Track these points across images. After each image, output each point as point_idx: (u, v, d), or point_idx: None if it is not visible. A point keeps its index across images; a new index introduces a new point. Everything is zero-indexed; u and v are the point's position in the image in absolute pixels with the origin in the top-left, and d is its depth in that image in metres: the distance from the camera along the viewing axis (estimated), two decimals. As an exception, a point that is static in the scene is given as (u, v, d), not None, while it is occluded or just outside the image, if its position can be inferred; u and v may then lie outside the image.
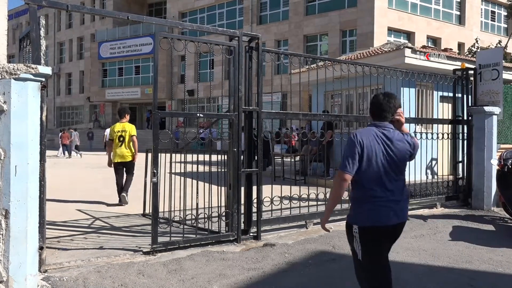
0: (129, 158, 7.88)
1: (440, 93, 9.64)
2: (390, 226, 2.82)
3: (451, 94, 8.34)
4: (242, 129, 5.57)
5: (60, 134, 24.26)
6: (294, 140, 16.31)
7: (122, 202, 7.73)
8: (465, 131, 8.16)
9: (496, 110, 7.92)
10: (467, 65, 8.63)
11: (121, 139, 7.78)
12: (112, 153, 7.92)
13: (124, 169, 7.94)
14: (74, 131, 26.90)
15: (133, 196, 8.57)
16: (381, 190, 2.81)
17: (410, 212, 7.29)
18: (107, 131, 27.47)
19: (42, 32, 4.04)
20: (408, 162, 3.00)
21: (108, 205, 7.89)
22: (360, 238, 2.83)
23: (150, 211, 5.12)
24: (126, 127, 7.86)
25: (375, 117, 3.03)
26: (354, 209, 2.91)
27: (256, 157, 5.60)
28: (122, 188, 7.85)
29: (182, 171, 5.33)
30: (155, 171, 4.82)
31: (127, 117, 8.10)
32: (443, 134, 7.92)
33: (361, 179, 2.81)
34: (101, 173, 13.98)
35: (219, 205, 5.41)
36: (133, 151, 7.88)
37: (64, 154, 23.46)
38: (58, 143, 24.40)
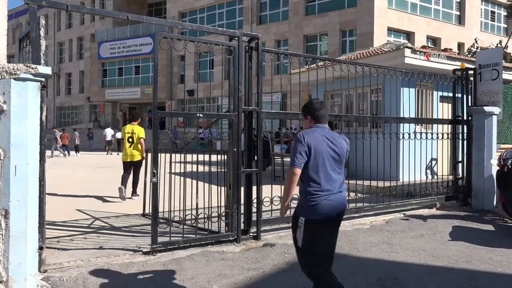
0: (138, 158, 8.40)
1: (440, 93, 9.65)
2: (333, 217, 3.17)
3: (451, 94, 8.35)
4: (242, 130, 5.57)
5: (60, 134, 24.30)
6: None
7: (119, 195, 8.12)
8: (465, 131, 8.16)
9: (496, 110, 7.92)
10: (467, 65, 8.63)
11: (130, 140, 8.35)
12: (122, 152, 8.63)
13: (132, 167, 8.49)
14: (74, 131, 26.98)
15: (132, 198, 8.57)
16: (328, 184, 3.16)
17: (410, 212, 7.32)
18: (106, 131, 28.00)
19: (42, 32, 4.04)
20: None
21: (104, 200, 7.91)
22: (305, 228, 3.13)
23: (150, 211, 5.12)
24: (135, 129, 8.39)
25: (316, 121, 3.34)
26: (303, 202, 3.20)
27: (256, 157, 5.60)
28: (124, 184, 8.31)
29: (182, 171, 5.33)
30: (155, 171, 4.82)
31: (139, 120, 8.83)
32: (443, 134, 7.92)
33: (310, 175, 3.15)
34: (101, 173, 14.00)
35: (219, 205, 5.41)
36: (141, 151, 8.35)
37: (64, 154, 23.51)
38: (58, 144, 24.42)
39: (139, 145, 8.33)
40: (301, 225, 3.15)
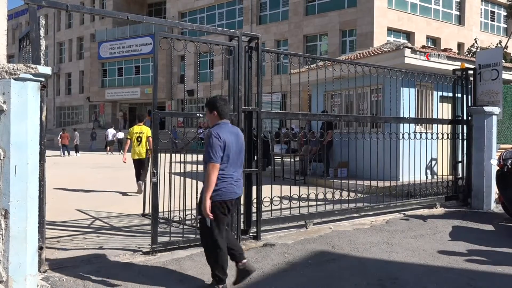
0: (145, 155, 9.01)
1: (440, 93, 9.65)
2: (235, 199, 3.85)
3: (450, 94, 8.35)
4: (242, 130, 5.57)
5: (60, 134, 24.38)
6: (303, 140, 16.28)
7: (138, 190, 8.80)
8: (465, 131, 8.16)
9: (496, 110, 7.92)
10: (466, 65, 8.63)
11: (139, 139, 9.00)
12: (132, 150, 9.18)
13: (140, 164, 9.07)
14: (75, 131, 27.04)
15: (133, 196, 8.59)
16: (234, 172, 3.77)
17: (409, 212, 7.33)
18: (109, 131, 28.32)
19: (41, 32, 4.04)
20: None
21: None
22: (214, 209, 3.63)
23: (150, 211, 5.12)
24: (143, 129, 9.01)
25: (222, 117, 3.84)
26: (214, 190, 3.65)
27: (255, 157, 5.60)
28: (138, 179, 8.99)
29: (182, 171, 5.33)
30: (154, 171, 4.82)
31: (144, 121, 9.51)
32: (442, 134, 7.92)
33: (223, 166, 3.67)
34: (100, 173, 14.00)
35: (219, 205, 5.39)
36: (149, 149, 8.85)
37: (63, 154, 23.55)
38: (58, 144, 24.51)
39: (146, 143, 8.96)
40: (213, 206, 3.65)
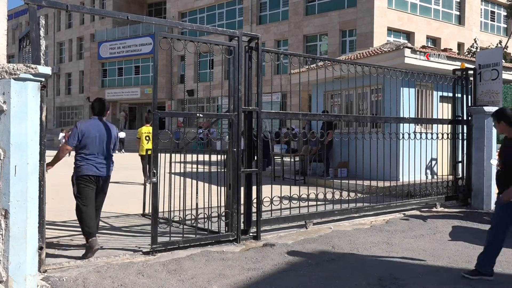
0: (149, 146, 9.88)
1: (440, 93, 9.65)
2: (95, 176, 4.79)
3: (450, 94, 8.35)
4: (242, 132, 5.57)
5: (63, 134, 24.50)
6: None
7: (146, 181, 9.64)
8: (465, 131, 8.16)
9: (496, 110, 7.91)
10: (466, 65, 8.63)
11: (148, 138, 10.30)
12: (140, 147, 10.71)
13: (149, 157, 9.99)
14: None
15: (133, 196, 8.58)
16: (94, 156, 4.78)
17: (410, 212, 7.33)
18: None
19: (41, 32, 4.04)
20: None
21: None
22: (78, 181, 4.75)
23: (150, 211, 5.12)
24: (151, 130, 10.18)
25: (95, 114, 5.02)
26: (77, 167, 4.78)
27: (255, 157, 5.60)
28: (146, 171, 9.74)
29: (182, 171, 5.33)
30: (154, 171, 4.82)
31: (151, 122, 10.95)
32: (442, 134, 7.92)
33: (82, 150, 4.76)
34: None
35: (219, 205, 5.40)
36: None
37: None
38: (59, 144, 24.56)
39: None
40: (74, 181, 4.80)
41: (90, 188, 4.76)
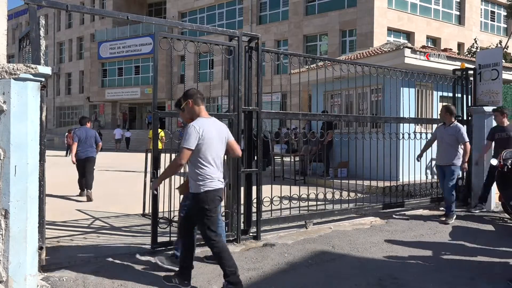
0: (160, 147, 10.34)
1: (440, 93, 9.65)
2: (83, 158, 8.18)
3: (451, 94, 8.35)
4: (242, 131, 5.57)
5: (66, 134, 24.71)
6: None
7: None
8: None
9: (496, 110, 7.92)
10: (466, 65, 8.63)
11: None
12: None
13: None
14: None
15: (133, 196, 8.58)
16: (83, 147, 8.05)
17: (409, 212, 7.32)
18: (116, 131, 31.52)
19: (41, 32, 4.04)
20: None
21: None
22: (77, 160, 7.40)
23: (150, 211, 5.12)
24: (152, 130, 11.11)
25: (82, 125, 7.83)
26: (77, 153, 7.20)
27: (255, 157, 5.60)
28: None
29: (182, 171, 5.32)
30: (155, 171, 4.82)
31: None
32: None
33: (78, 147, 7.39)
34: (101, 173, 13.97)
35: (219, 205, 5.40)
36: (162, 145, 10.36)
37: (68, 154, 23.70)
38: (64, 144, 24.97)
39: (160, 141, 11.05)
40: None
41: (81, 164, 8.56)
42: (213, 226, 3.80)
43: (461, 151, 6.75)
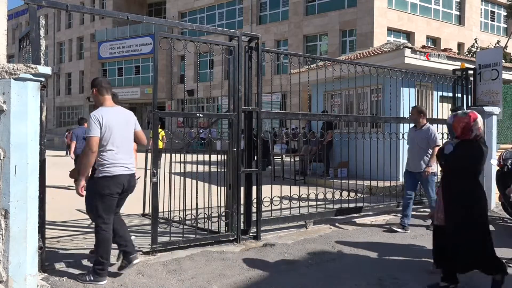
0: (160, 146, 10.46)
1: (440, 93, 9.64)
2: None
3: (450, 94, 8.35)
4: (242, 131, 5.57)
5: (66, 134, 24.70)
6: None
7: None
8: (465, 131, 8.14)
9: (496, 110, 7.92)
10: (466, 65, 8.63)
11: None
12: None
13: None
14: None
15: (133, 196, 8.57)
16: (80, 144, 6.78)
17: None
18: None
19: (41, 32, 4.04)
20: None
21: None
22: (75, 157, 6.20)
23: (150, 211, 5.12)
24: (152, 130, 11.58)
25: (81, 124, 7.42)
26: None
27: (255, 157, 5.60)
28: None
29: (182, 171, 5.33)
30: (155, 171, 4.82)
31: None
32: (442, 134, 7.91)
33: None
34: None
35: (219, 205, 5.40)
36: (163, 144, 10.68)
37: (67, 154, 23.74)
38: (64, 143, 24.92)
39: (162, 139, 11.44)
40: None
41: (78, 159, 6.98)
42: (104, 212, 3.87)
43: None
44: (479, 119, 3.82)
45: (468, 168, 3.78)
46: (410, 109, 6.59)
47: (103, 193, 3.85)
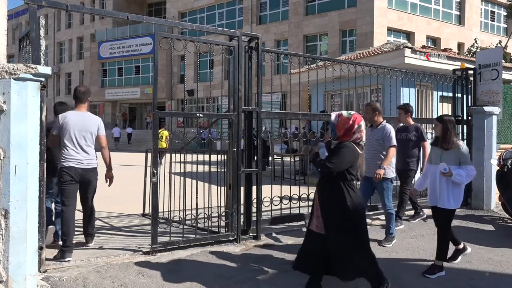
0: (163, 146, 12.72)
1: (440, 93, 9.64)
2: None
3: (451, 94, 8.35)
4: (242, 131, 5.57)
5: None
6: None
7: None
8: (465, 131, 8.15)
9: (496, 110, 7.92)
10: (466, 65, 8.63)
11: (161, 138, 11.90)
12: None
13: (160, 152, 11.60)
14: None
15: (133, 196, 8.58)
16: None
17: (409, 212, 7.31)
18: (114, 130, 32.11)
19: (41, 32, 4.04)
20: None
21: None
22: None
23: (150, 211, 5.12)
24: (161, 132, 12.27)
25: None
26: None
27: (255, 157, 5.60)
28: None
29: (182, 171, 5.33)
30: (154, 171, 4.82)
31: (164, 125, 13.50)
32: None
33: None
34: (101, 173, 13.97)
35: (219, 205, 5.41)
36: (166, 144, 12.94)
37: None
38: None
39: (166, 140, 13.26)
40: None
41: None
42: (64, 196, 4.65)
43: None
44: (363, 123, 3.76)
45: (342, 171, 3.65)
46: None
47: (62, 180, 4.64)
